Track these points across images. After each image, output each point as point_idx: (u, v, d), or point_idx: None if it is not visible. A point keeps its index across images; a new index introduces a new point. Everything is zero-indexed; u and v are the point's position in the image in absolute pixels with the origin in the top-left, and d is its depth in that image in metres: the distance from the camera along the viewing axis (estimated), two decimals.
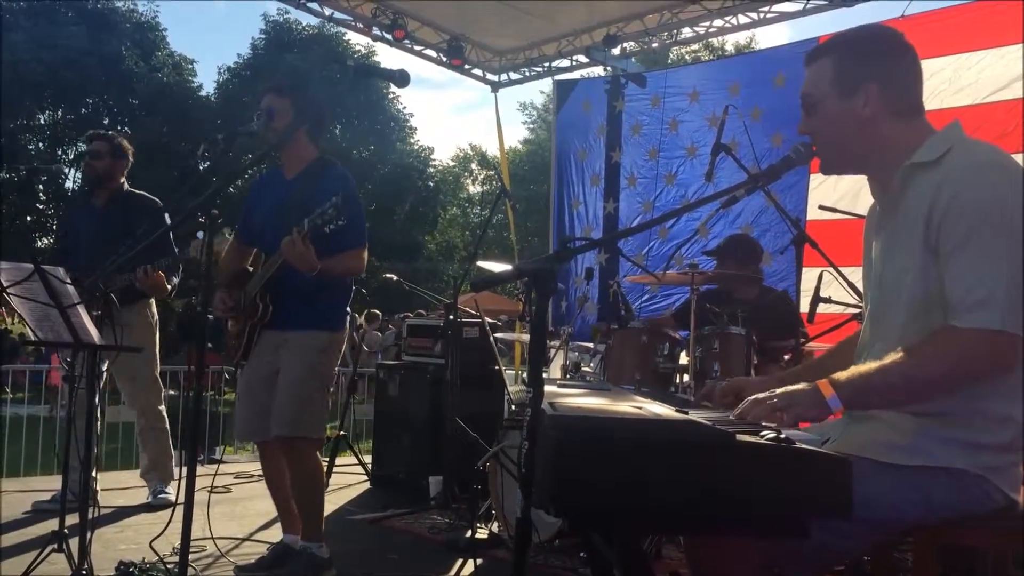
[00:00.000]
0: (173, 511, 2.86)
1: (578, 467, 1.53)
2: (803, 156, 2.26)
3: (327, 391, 3.86)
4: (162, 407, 5.36)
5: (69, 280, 3.15)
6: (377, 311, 16.03)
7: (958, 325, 1.84)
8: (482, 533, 4.49)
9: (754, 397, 1.92)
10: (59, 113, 28.88)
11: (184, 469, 2.63)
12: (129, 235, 4.75)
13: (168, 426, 5.39)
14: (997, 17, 5.49)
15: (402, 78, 2.94)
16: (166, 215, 5.14)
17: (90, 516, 3.32)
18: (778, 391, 1.91)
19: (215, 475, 5.05)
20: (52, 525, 3.54)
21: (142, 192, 5.27)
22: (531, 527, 1.79)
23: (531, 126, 41.52)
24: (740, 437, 1.58)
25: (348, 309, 3.95)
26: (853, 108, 2.04)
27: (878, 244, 2.16)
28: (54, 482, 4.87)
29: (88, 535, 3.31)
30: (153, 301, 5.16)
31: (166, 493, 5.19)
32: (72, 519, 3.44)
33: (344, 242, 3.71)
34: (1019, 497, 1.94)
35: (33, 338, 3.44)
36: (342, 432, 6.60)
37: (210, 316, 3.68)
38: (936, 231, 1.89)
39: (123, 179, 5.24)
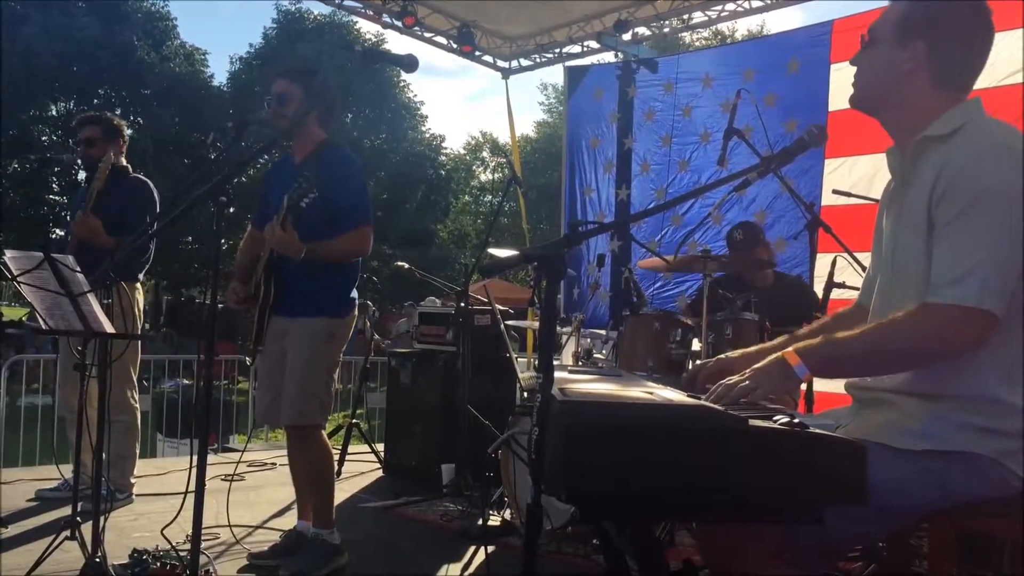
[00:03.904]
0: (184, 499, 2.85)
1: (588, 453, 1.51)
2: (816, 138, 2.24)
3: (332, 377, 3.84)
4: (133, 397, 4.93)
5: (79, 268, 3.15)
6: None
7: (931, 301, 1.83)
8: (494, 521, 4.48)
9: (725, 381, 1.93)
10: (71, 104, 28.94)
11: (194, 458, 2.62)
12: (119, 217, 4.70)
13: (137, 421, 4.99)
14: None
15: (410, 63, 2.91)
16: (152, 193, 4.99)
17: (110, 504, 3.32)
18: (748, 371, 1.93)
19: (237, 463, 5.06)
20: (61, 513, 3.54)
21: (136, 175, 5.07)
22: (542, 514, 1.77)
23: (548, 106, 41.18)
24: (753, 422, 1.56)
25: (355, 294, 3.93)
26: (898, 58, 2.02)
27: (889, 220, 2.13)
28: (66, 471, 4.88)
29: (101, 522, 3.31)
30: (139, 286, 4.99)
31: (118, 500, 4.70)
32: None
33: (342, 223, 3.70)
34: None
35: (44, 327, 3.44)
36: (354, 420, 6.60)
37: (221, 305, 3.68)
38: (935, 207, 1.88)
39: (123, 160, 5.08)
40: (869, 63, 2.09)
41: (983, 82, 5.76)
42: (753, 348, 2.35)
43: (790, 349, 1.89)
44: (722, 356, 2.28)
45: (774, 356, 1.92)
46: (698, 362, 2.30)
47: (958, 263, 1.81)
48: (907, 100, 2.03)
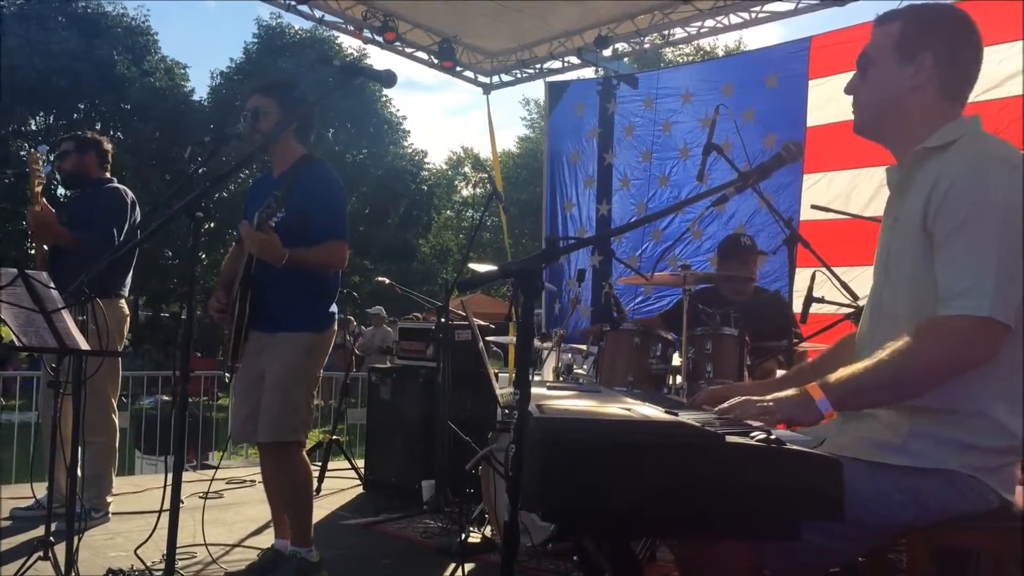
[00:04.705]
0: (159, 517, 2.82)
1: (564, 470, 1.50)
2: (794, 154, 2.24)
3: (312, 394, 3.82)
4: (111, 417, 4.88)
5: (52, 285, 3.12)
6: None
7: (945, 313, 1.82)
8: (475, 537, 4.46)
9: (746, 397, 1.90)
10: (51, 119, 28.79)
11: (170, 475, 2.59)
12: (90, 224, 4.69)
13: (115, 442, 4.94)
14: (990, 15, 5.47)
15: (388, 78, 2.90)
16: (124, 201, 4.94)
17: (84, 523, 3.27)
18: (770, 396, 1.90)
19: (211, 480, 5.01)
20: (35, 533, 3.50)
21: (112, 185, 5.02)
22: (519, 531, 1.76)
23: (530, 121, 41.16)
24: (729, 438, 1.56)
25: (335, 309, 3.91)
26: (904, 75, 2.02)
27: (885, 229, 2.14)
28: (41, 490, 4.82)
29: (75, 542, 3.27)
30: (123, 303, 4.92)
31: (94, 518, 4.73)
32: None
33: (316, 236, 3.67)
34: (1014, 498, 1.91)
35: (18, 344, 3.39)
36: (335, 436, 6.57)
37: (197, 315, 3.66)
38: (933, 217, 1.88)
39: (104, 172, 5.06)
40: (871, 86, 2.08)
41: None
42: (764, 380, 2.37)
43: (813, 383, 1.86)
44: (733, 384, 2.29)
45: (798, 389, 1.87)
46: (710, 388, 2.30)
47: (967, 274, 1.80)
48: (914, 115, 2.04)
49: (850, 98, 2.14)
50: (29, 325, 3.26)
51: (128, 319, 5.02)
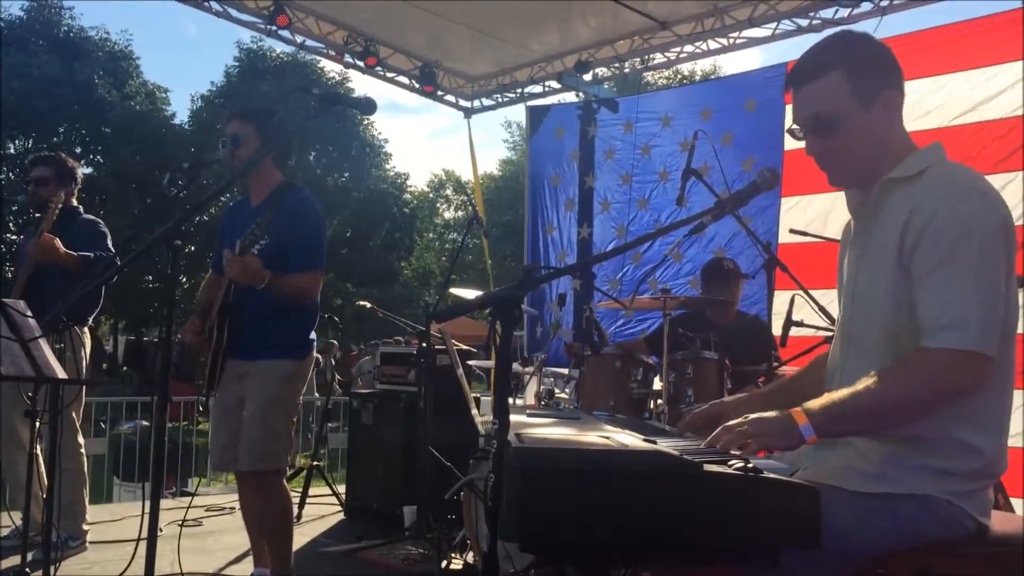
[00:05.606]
0: (136, 547, 2.79)
1: (543, 500, 1.50)
2: (769, 182, 2.26)
3: (292, 421, 3.79)
4: (79, 443, 4.81)
5: (30, 314, 3.10)
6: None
7: (930, 346, 1.83)
8: (457, 564, 4.43)
9: (725, 424, 1.91)
10: (30, 142, 28.61)
11: (147, 503, 2.56)
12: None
13: (83, 466, 4.88)
14: (963, 42, 5.55)
15: (368, 105, 2.91)
16: (104, 232, 4.94)
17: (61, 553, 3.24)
18: (750, 417, 1.89)
19: (187, 508, 4.95)
20: (12, 562, 3.46)
21: (87, 216, 5.02)
22: (498, 562, 1.75)
23: (512, 143, 41.27)
24: (707, 467, 1.56)
25: (314, 335, 3.89)
26: (872, 117, 2.01)
27: (851, 257, 2.15)
28: (18, 518, 4.75)
29: (52, 571, 3.23)
30: (87, 329, 4.89)
31: (71, 547, 4.70)
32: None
33: (294, 265, 3.67)
34: (989, 522, 1.93)
35: None
36: (315, 462, 6.52)
37: (176, 339, 3.64)
38: (911, 250, 1.89)
39: (73, 200, 5.01)
40: (850, 141, 2.02)
41: (934, 123, 5.86)
42: (746, 394, 2.38)
43: (796, 408, 1.86)
44: (717, 401, 2.31)
45: (782, 412, 1.87)
46: (696, 409, 2.31)
47: (952, 306, 1.81)
48: (885, 149, 2.04)
49: None
50: (6, 353, 3.24)
51: (88, 346, 4.98)
